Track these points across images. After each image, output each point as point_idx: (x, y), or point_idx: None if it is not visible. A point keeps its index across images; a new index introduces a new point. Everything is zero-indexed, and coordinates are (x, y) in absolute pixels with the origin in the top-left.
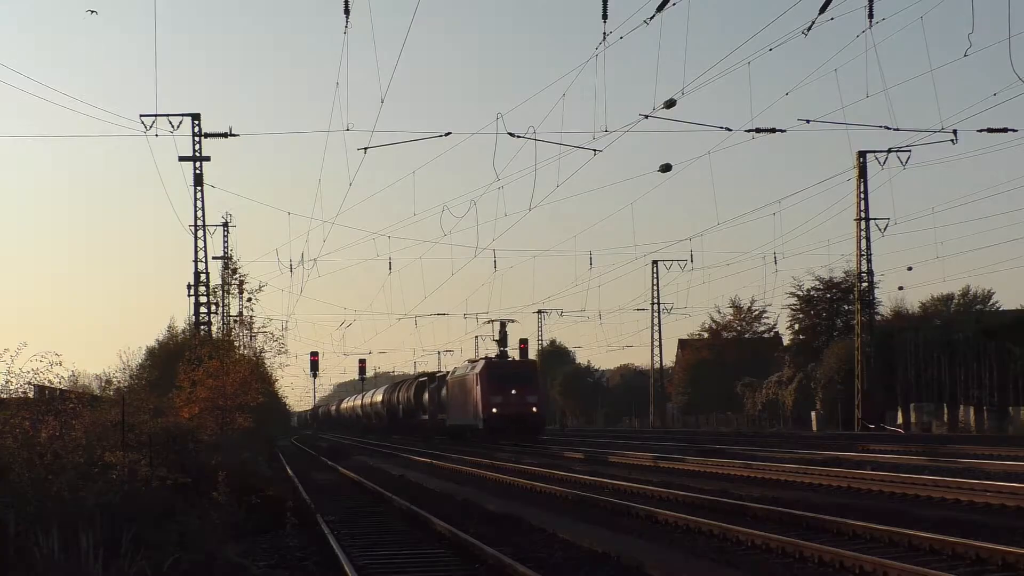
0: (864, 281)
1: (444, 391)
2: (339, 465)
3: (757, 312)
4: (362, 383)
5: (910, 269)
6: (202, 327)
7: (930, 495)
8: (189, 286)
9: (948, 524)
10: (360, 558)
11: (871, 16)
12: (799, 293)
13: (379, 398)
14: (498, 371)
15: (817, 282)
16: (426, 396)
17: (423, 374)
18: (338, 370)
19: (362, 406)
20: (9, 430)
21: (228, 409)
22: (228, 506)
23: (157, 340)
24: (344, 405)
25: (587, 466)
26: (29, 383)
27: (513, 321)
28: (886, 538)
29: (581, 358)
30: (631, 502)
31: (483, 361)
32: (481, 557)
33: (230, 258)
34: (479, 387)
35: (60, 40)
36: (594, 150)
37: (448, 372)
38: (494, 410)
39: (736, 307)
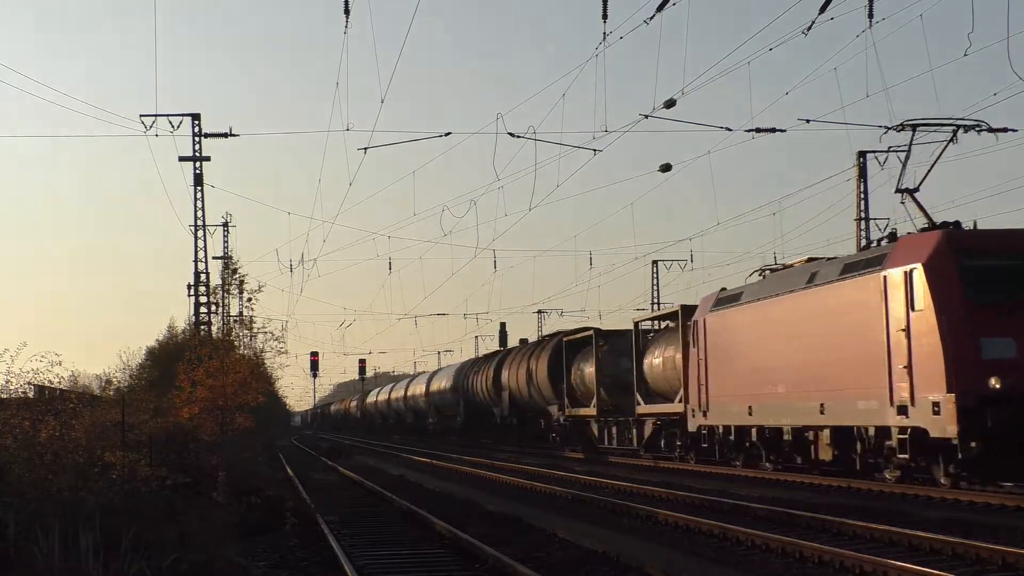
0: None
1: (664, 353)
2: (339, 465)
3: None
4: (362, 383)
5: None
6: (202, 327)
7: (930, 495)
8: (189, 286)
9: (948, 524)
10: (360, 558)
11: (871, 16)
12: None
13: (444, 384)
14: (999, 261)
15: None
16: (580, 374)
17: (563, 333)
18: (338, 370)
19: (406, 399)
20: (9, 430)
21: (228, 409)
22: (228, 506)
23: (157, 340)
24: (375, 399)
25: (587, 466)
26: (29, 383)
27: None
28: (886, 538)
29: None
30: (631, 502)
31: (938, 234)
32: (481, 557)
33: (230, 258)
34: (939, 316)
35: (60, 40)
36: (594, 150)
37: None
38: (994, 383)
39: None
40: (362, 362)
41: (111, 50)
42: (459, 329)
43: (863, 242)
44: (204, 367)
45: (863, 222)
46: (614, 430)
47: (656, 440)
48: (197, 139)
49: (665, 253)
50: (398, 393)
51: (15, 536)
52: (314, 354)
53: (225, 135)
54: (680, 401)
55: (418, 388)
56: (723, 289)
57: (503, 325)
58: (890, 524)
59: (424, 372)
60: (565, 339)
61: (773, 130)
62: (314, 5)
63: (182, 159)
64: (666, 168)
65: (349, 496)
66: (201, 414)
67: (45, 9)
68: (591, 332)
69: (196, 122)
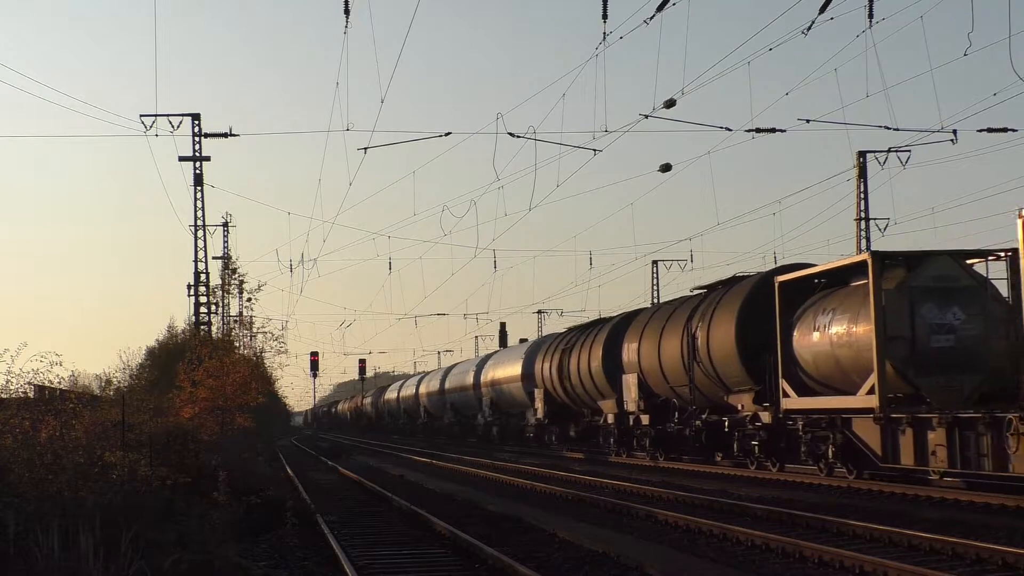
0: None
1: None
2: (339, 465)
3: None
4: (362, 383)
5: None
6: (202, 327)
7: (930, 495)
8: (189, 286)
9: (948, 524)
10: (360, 558)
11: (871, 16)
12: None
13: (506, 372)
14: None
15: None
16: (824, 336)
17: (768, 272)
18: (338, 370)
19: (443, 393)
20: (9, 430)
21: (228, 409)
22: (228, 506)
23: (157, 340)
24: (396, 395)
25: (587, 466)
26: (29, 383)
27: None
28: (886, 538)
29: None
30: (631, 502)
31: None
32: (481, 557)
33: (230, 258)
34: None
35: (60, 40)
36: (594, 150)
37: None
38: None
39: None
40: (362, 362)
41: (111, 50)
42: (459, 329)
43: (863, 242)
44: (204, 367)
45: (863, 222)
46: (930, 437)
47: None
48: (197, 139)
49: (665, 253)
50: (429, 387)
51: (15, 536)
52: (314, 354)
53: (225, 135)
54: None
55: (461, 379)
56: None
57: (503, 325)
58: (890, 524)
59: (468, 359)
60: (779, 279)
61: (773, 130)
62: (314, 5)
63: (182, 159)
64: (666, 168)
65: (349, 496)
66: (201, 414)
67: (45, 9)
68: (864, 257)
69: (196, 122)
